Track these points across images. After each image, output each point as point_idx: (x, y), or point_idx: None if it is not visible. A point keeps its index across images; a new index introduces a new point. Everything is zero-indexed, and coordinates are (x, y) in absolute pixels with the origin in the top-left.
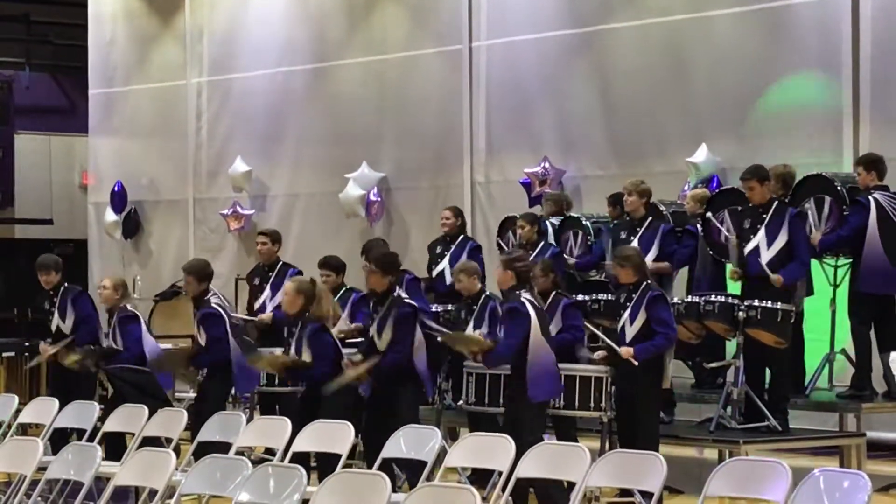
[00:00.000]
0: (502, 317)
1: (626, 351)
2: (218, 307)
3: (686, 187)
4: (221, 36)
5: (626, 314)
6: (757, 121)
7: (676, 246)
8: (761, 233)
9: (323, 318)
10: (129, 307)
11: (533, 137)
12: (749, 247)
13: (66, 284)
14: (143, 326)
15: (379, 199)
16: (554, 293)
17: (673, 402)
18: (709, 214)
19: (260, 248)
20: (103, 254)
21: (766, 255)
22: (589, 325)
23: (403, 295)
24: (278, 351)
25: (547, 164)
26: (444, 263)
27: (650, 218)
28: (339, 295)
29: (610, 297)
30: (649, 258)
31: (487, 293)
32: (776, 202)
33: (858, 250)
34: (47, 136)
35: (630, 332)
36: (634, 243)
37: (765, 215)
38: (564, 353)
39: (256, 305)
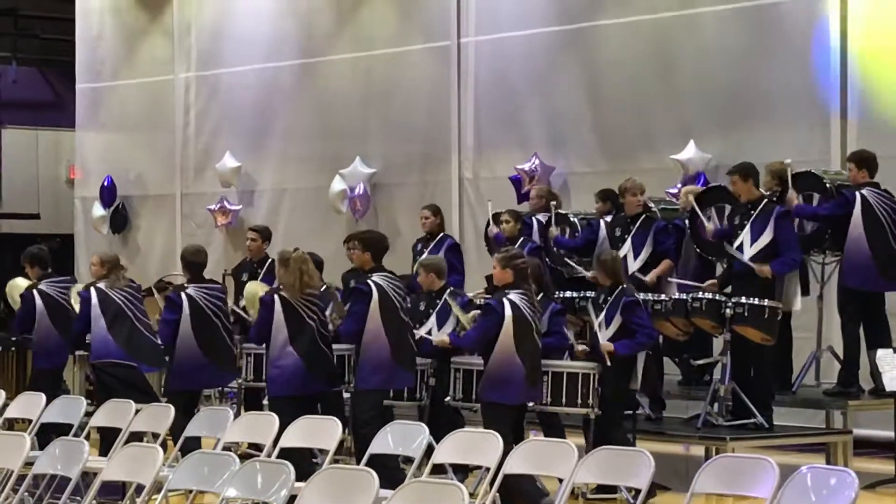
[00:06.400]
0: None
1: (605, 346)
2: (184, 297)
3: (678, 185)
4: (209, 31)
5: (602, 316)
6: (744, 118)
7: (671, 242)
8: (746, 229)
9: (289, 286)
10: (102, 286)
11: (521, 134)
12: (735, 244)
13: (42, 282)
14: (92, 308)
15: (363, 194)
16: (542, 295)
17: (663, 402)
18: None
19: (249, 244)
20: (90, 248)
21: (748, 252)
22: (573, 323)
23: (377, 276)
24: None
25: (537, 161)
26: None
27: (644, 216)
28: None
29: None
30: (643, 256)
31: (451, 289)
32: (765, 200)
33: (842, 245)
34: (34, 130)
35: (604, 335)
36: (628, 241)
37: (752, 212)
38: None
39: (243, 302)
